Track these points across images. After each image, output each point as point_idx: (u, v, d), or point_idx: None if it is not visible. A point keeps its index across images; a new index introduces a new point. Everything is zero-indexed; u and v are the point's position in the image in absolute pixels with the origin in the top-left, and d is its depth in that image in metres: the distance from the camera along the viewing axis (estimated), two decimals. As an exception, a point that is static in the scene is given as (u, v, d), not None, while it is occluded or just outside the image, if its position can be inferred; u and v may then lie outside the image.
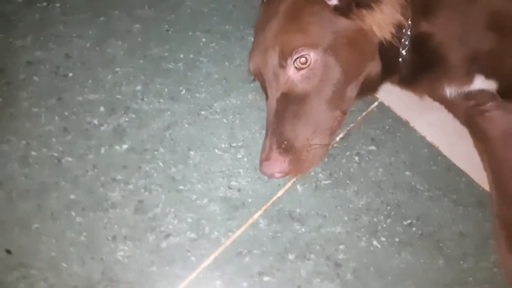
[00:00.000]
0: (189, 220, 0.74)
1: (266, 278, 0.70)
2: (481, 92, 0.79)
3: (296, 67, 0.66)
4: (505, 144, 0.80)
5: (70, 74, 0.84)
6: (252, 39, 0.90)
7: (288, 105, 0.68)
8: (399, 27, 0.69)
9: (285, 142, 0.66)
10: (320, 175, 0.80)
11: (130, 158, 0.78)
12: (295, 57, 0.66)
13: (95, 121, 0.80)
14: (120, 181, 0.76)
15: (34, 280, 0.67)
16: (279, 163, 0.65)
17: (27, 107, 0.80)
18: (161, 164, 0.78)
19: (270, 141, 0.67)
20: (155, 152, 0.79)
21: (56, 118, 0.80)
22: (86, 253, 0.70)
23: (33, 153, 0.77)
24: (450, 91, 0.80)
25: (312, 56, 0.66)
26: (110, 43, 0.88)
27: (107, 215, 0.73)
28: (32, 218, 0.72)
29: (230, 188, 0.77)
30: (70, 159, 0.77)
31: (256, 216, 0.75)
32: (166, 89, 0.85)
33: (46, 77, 0.83)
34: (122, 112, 0.81)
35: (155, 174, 0.77)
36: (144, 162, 0.78)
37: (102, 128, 0.80)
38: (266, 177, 0.78)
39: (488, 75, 0.75)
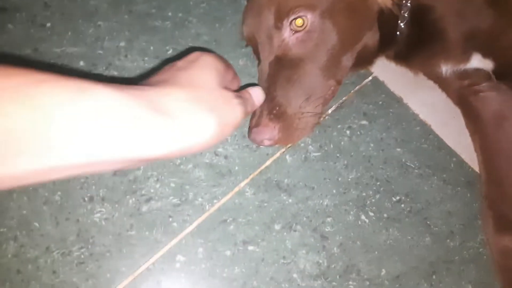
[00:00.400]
0: (172, 184, 0.70)
1: (250, 247, 0.67)
2: (477, 71, 0.78)
3: (291, 29, 0.63)
4: (497, 126, 0.80)
5: (48, 24, 0.77)
6: (246, 2, 0.86)
7: (282, 70, 0.64)
8: (401, -6, 0.66)
9: (277, 108, 0.63)
10: (310, 147, 0.77)
11: (111, 117, 0.73)
12: (291, 18, 0.62)
13: (74, 76, 0.74)
14: (99, 140, 0.71)
15: (3, 238, 0.63)
16: (269, 130, 0.62)
17: (0, 56, 0.73)
18: (144, 125, 0.74)
19: (261, 107, 0.63)
20: (138, 113, 0.74)
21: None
22: (60, 213, 0.65)
23: (4, 105, 0.71)
24: (445, 68, 0.78)
25: (309, 18, 0.62)
26: (94, -5, 0.82)
27: (84, 175, 0.68)
28: (1, 174, 0.67)
29: (216, 154, 0.74)
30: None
31: (242, 184, 0.72)
32: (151, 47, 0.79)
33: (22, 25, 0.76)
34: (104, 68, 0.76)
35: (137, 135, 0.73)
36: (126, 122, 0.73)
37: (81, 83, 0.74)
38: (254, 145, 0.75)
39: (485, 54, 0.73)
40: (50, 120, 0.29)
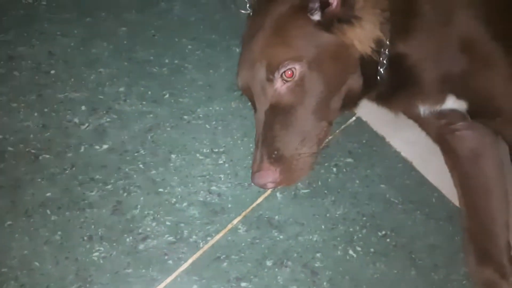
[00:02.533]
0: (168, 223, 0.73)
1: (243, 284, 0.70)
2: (452, 111, 0.84)
3: (282, 80, 0.69)
4: (473, 162, 0.85)
5: (52, 72, 0.83)
6: (238, 50, 0.92)
7: (276, 116, 0.70)
8: (379, 43, 0.72)
9: (275, 152, 0.67)
10: (299, 184, 0.81)
11: (110, 158, 0.77)
12: (281, 70, 0.68)
13: (76, 120, 0.79)
14: (98, 180, 0.75)
15: (4, 278, 0.65)
16: (270, 173, 0.66)
17: (5, 102, 0.78)
18: (141, 165, 0.78)
19: (261, 152, 0.68)
20: (136, 154, 0.78)
21: (35, 114, 0.78)
22: (60, 253, 0.68)
23: (9, 148, 0.75)
24: (423, 109, 0.83)
25: (297, 68, 0.68)
26: (95, 44, 0.88)
27: (84, 215, 0.72)
28: (4, 215, 0.70)
29: (210, 192, 0.77)
30: (47, 156, 0.76)
31: (235, 221, 0.75)
32: (149, 92, 0.85)
33: (27, 72, 0.82)
34: (104, 112, 0.81)
35: (134, 176, 0.76)
36: (124, 163, 0.77)
37: (82, 127, 0.79)
38: (246, 183, 0.79)
39: (459, 95, 0.79)
40: None
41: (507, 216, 0.79)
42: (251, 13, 0.81)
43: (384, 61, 0.77)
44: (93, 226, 0.71)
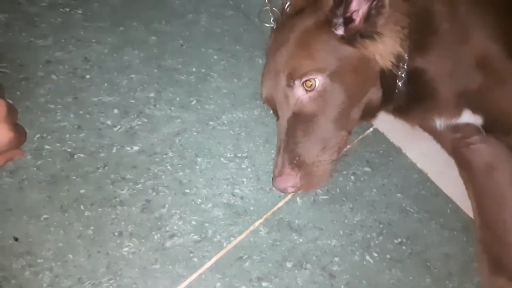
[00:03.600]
0: (193, 222, 0.77)
1: (264, 284, 0.73)
2: (468, 125, 0.87)
3: (304, 89, 0.72)
4: (487, 175, 0.87)
5: (87, 76, 0.87)
6: (261, 61, 0.96)
7: (298, 124, 0.73)
8: (398, 58, 0.76)
9: (296, 158, 0.71)
10: (319, 190, 0.84)
11: (140, 159, 0.81)
12: (303, 79, 0.71)
13: (109, 122, 0.83)
14: (129, 180, 0.79)
15: (40, 269, 0.68)
16: (291, 178, 0.69)
17: (43, 103, 0.83)
18: (169, 167, 0.81)
19: (282, 158, 0.71)
20: (164, 156, 0.82)
21: (71, 115, 0.82)
22: (93, 246, 0.71)
23: (46, 146, 0.79)
24: (439, 122, 0.86)
25: (320, 79, 0.71)
26: (127, 51, 0.93)
27: (115, 212, 0.75)
28: (41, 209, 0.73)
29: (233, 195, 0.81)
30: (82, 155, 0.80)
31: (257, 223, 0.79)
32: (177, 98, 0.89)
33: (64, 76, 0.86)
34: (135, 115, 0.85)
35: (163, 176, 0.80)
36: (153, 164, 0.81)
37: (114, 129, 0.83)
38: (268, 188, 0.82)
39: (474, 110, 0.82)
40: None
41: (520, 228, 0.81)
42: (275, 27, 0.85)
43: (403, 75, 0.81)
44: (123, 223, 0.74)
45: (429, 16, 0.77)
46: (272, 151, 0.86)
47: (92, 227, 0.73)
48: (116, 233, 0.73)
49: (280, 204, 0.81)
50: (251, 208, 0.80)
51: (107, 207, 0.75)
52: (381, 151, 0.92)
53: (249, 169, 0.84)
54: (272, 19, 0.91)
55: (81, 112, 0.83)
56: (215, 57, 0.96)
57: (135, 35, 0.95)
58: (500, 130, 0.84)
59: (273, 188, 0.69)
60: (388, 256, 0.80)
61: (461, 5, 0.76)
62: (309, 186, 0.73)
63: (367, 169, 0.89)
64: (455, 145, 0.91)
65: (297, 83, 0.72)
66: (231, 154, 0.85)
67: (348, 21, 0.72)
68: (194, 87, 0.91)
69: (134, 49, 0.93)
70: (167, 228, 0.75)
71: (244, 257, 0.75)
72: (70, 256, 0.70)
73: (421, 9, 0.76)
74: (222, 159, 0.84)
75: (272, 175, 0.69)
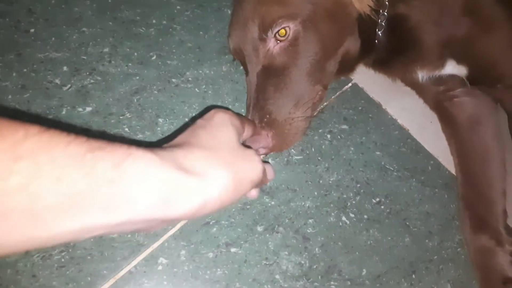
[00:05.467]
0: (155, 187, 0.70)
1: (233, 249, 0.68)
2: (452, 77, 0.81)
3: (276, 39, 0.65)
4: (471, 129, 0.83)
5: (32, 30, 0.78)
6: (229, 11, 0.87)
7: (269, 79, 0.66)
8: (378, 2, 0.69)
9: (267, 116, 0.64)
10: (292, 150, 0.78)
11: (94, 121, 0.73)
12: (275, 29, 0.64)
13: (57, 81, 0.75)
14: (81, 144, 0.71)
15: None
16: (263, 138, 0.63)
17: (-19, 61, 0.74)
18: (126, 129, 0.74)
19: (252, 116, 0.65)
20: (121, 117, 0.75)
21: (14, 74, 0.74)
22: (40, 216, 0.65)
23: (-15, 108, 0.71)
24: (422, 75, 0.81)
25: (292, 27, 0.64)
26: (78, 2, 0.83)
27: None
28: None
29: (199, 157, 0.74)
30: (26, 119, 0.71)
31: (225, 187, 0.72)
32: (135, 54, 0.80)
33: (6, 31, 0.77)
34: (87, 73, 0.77)
35: (120, 140, 0.73)
36: (108, 126, 0.73)
37: (64, 88, 0.75)
38: (237, 149, 0.76)
39: (459, 61, 0.76)
40: (102, 183, 0.32)
41: (504, 184, 0.78)
42: (243, -28, 0.76)
43: (383, 23, 0.74)
44: (76, 190, 0.67)
45: (412, -45, 0.70)
46: (242, 110, 0.79)
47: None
48: (67, 202, 0.67)
49: (250, 165, 0.75)
50: (219, 170, 0.74)
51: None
52: (360, 107, 0.86)
53: (216, 129, 0.77)
54: (240, -36, 0.82)
55: (25, 70, 0.74)
56: (178, 7, 0.87)
57: (86, -16, 0.85)
58: (485, 82, 0.79)
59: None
60: (365, 216, 0.75)
61: None
62: (282, 146, 0.67)
63: (344, 126, 0.83)
64: (438, 98, 0.86)
65: (269, 34, 0.65)
66: (196, 114, 0.78)
67: None
68: (154, 41, 0.82)
69: (85, -1, 0.84)
70: (125, 195, 0.69)
71: (211, 222, 0.69)
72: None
73: None
74: (187, 119, 0.77)
75: (241, 135, 0.62)
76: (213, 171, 0.40)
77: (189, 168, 0.38)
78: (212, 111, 0.50)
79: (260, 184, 0.54)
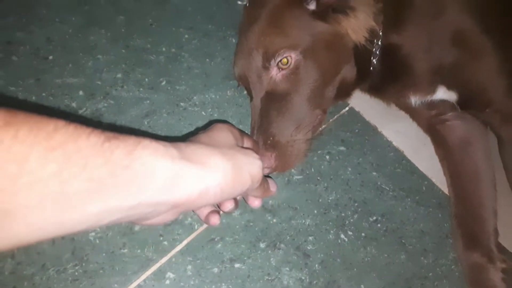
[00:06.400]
0: (163, 205, 0.74)
1: (237, 265, 0.71)
2: (443, 102, 0.86)
3: (278, 68, 0.70)
4: (463, 151, 0.87)
5: (50, 57, 0.84)
6: (234, 40, 0.94)
7: (272, 104, 0.71)
8: (372, 33, 0.74)
9: (271, 138, 0.69)
10: (293, 170, 0.83)
11: (107, 142, 0.78)
12: (277, 58, 0.70)
13: (73, 104, 0.80)
14: (95, 163, 0.76)
15: (1, 256, 0.65)
16: (266, 159, 0.68)
17: (3, 85, 0.78)
18: (138, 150, 0.78)
19: (257, 138, 0.70)
20: (133, 138, 0.79)
21: (33, 98, 0.79)
22: (57, 232, 0.69)
23: (6, 130, 0.75)
24: (414, 100, 0.86)
25: (293, 57, 0.70)
26: (93, 31, 0.89)
27: (80, 196, 0.72)
28: (1, 194, 0.70)
29: (205, 177, 0.78)
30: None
31: (229, 205, 0.76)
32: (146, 79, 0.86)
33: (25, 58, 0.82)
34: (101, 97, 0.82)
35: (131, 159, 0.77)
36: (121, 147, 0.78)
37: (80, 111, 0.80)
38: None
39: (449, 87, 0.81)
40: (118, 169, 0.36)
41: (495, 203, 0.82)
42: (247, 4, 0.83)
43: (377, 52, 0.79)
44: (89, 207, 0.71)
45: (403, -10, 0.76)
46: (246, 132, 0.84)
47: (56, 212, 0.70)
48: (81, 218, 0.70)
49: (254, 185, 0.79)
50: (224, 189, 0.78)
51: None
52: (357, 130, 0.91)
53: (221, 150, 0.82)
54: (244, -4, 0.89)
55: (43, 94, 0.79)
56: (186, 36, 0.93)
57: (101, 13, 0.92)
58: (475, 106, 0.84)
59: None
60: (363, 234, 0.79)
61: (435, -21, 0.75)
62: (284, 167, 0.72)
63: (342, 148, 0.88)
64: (431, 122, 0.91)
65: (272, 63, 0.70)
66: (200, 128, 0.82)
67: None
68: (164, 68, 0.88)
69: (100, 28, 0.89)
70: (136, 212, 0.73)
71: (216, 239, 0.73)
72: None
73: (394, -17, 0.75)
74: (194, 140, 0.82)
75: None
76: (213, 160, 0.45)
77: (191, 158, 0.43)
78: (214, 123, 0.55)
79: (265, 193, 0.58)
